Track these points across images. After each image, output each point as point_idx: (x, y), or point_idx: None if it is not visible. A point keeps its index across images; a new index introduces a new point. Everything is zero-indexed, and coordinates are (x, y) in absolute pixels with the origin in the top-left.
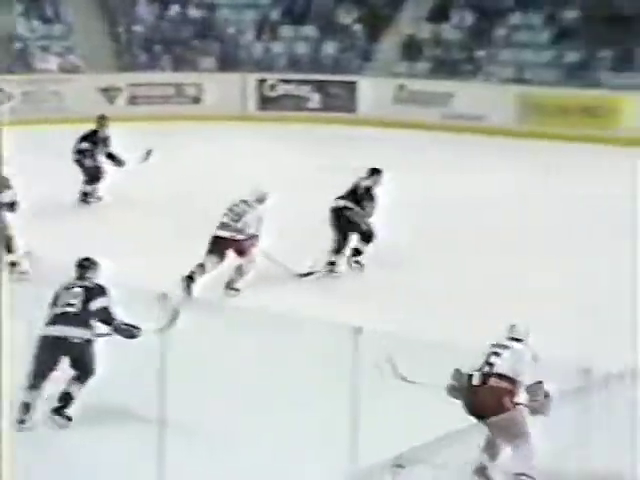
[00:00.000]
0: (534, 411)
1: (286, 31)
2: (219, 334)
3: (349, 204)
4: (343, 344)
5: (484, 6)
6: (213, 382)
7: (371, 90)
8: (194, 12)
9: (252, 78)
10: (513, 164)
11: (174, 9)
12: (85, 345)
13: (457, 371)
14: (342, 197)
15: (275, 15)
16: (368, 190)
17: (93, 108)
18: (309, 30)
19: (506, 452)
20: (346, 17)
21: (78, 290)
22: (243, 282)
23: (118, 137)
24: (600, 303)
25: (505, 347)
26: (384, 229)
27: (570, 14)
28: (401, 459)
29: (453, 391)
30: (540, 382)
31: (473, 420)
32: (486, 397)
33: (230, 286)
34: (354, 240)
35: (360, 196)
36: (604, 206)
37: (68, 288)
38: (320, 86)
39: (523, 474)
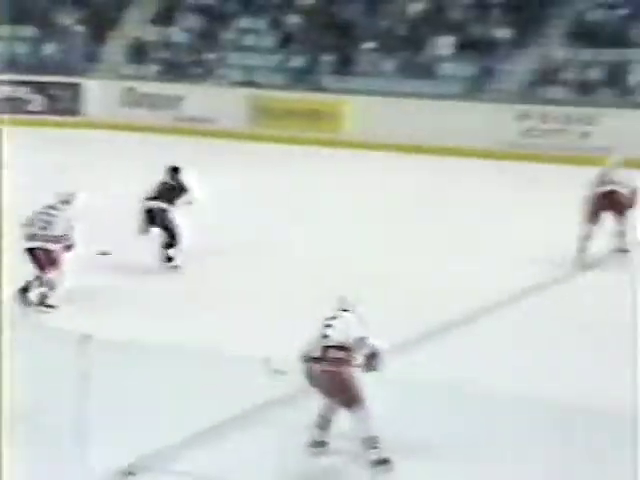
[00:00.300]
0: (368, 368)
1: (3, 31)
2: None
3: (161, 204)
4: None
5: (211, 10)
6: None
7: (97, 92)
8: None
9: None
10: (243, 166)
11: None
12: None
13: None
14: (152, 198)
15: None
16: (174, 188)
17: None
18: (28, 30)
19: (338, 424)
20: (66, 18)
21: None
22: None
23: None
24: None
25: (335, 318)
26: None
27: (293, 19)
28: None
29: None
30: (365, 337)
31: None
32: (326, 369)
33: (43, 303)
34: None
35: (168, 195)
36: (326, 204)
37: None
38: (41, 88)
39: (369, 436)
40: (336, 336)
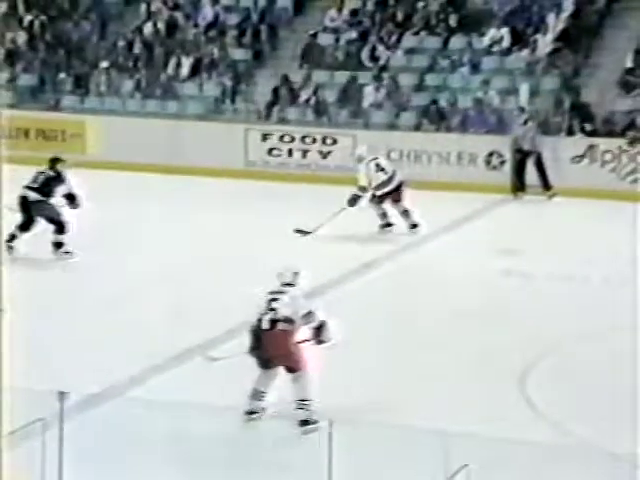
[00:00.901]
0: (319, 342)
1: None
2: None
3: (36, 195)
4: None
5: None
6: None
7: None
8: None
9: None
10: None
11: None
12: None
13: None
14: (29, 187)
15: None
16: (52, 180)
17: None
18: None
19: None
20: None
21: None
22: None
23: None
24: None
25: (282, 292)
26: None
27: (19, 36)
28: None
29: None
30: (312, 311)
31: None
32: (275, 340)
33: None
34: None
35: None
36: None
37: None
38: None
39: (304, 399)
40: (283, 310)
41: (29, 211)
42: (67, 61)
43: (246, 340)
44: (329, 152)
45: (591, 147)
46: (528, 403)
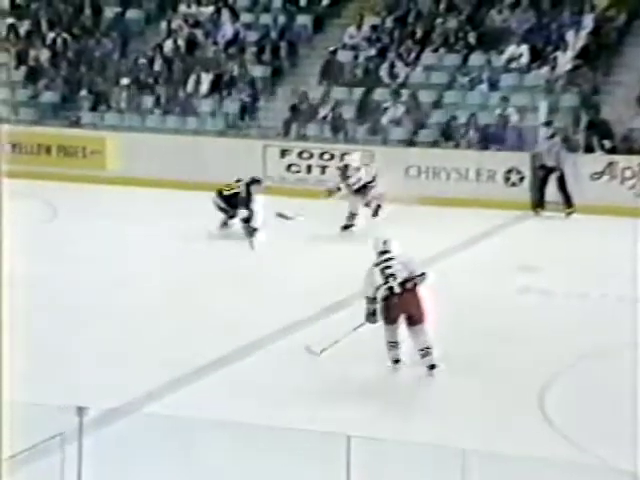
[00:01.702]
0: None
1: None
2: None
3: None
4: None
5: None
6: None
7: None
8: None
9: None
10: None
11: None
12: None
13: (368, 298)
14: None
15: None
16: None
17: None
18: None
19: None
20: None
21: None
22: None
23: None
24: None
25: (389, 259)
26: None
27: (42, 54)
28: None
29: (371, 317)
30: (424, 273)
31: None
32: (406, 299)
33: None
34: None
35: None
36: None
37: None
38: None
39: (428, 347)
40: (401, 273)
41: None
42: (88, 78)
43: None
44: None
45: (610, 164)
46: (546, 420)
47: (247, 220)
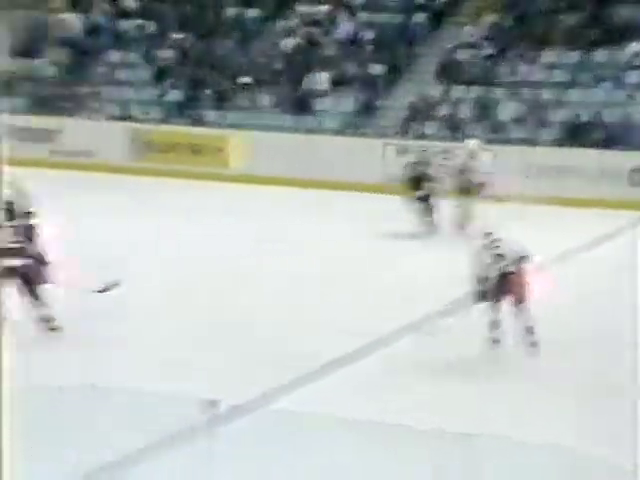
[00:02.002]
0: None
1: None
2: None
3: None
4: None
5: (79, 44)
6: None
7: None
8: None
9: None
10: (124, 199)
11: None
12: None
13: (478, 278)
14: None
15: None
16: None
17: None
18: None
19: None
20: None
21: None
22: None
23: None
24: None
25: (497, 240)
26: None
27: (166, 54)
28: None
29: (481, 297)
30: (527, 254)
31: None
32: (516, 279)
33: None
34: None
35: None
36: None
37: None
38: None
39: (531, 326)
40: (507, 254)
41: None
42: (211, 77)
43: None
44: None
45: None
46: None
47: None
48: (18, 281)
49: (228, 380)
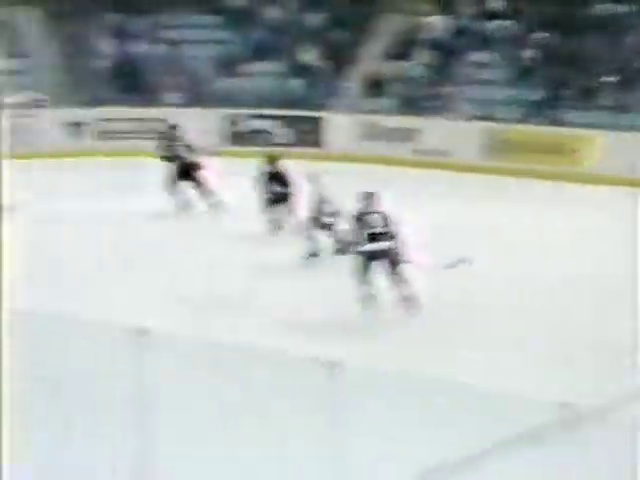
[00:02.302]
0: None
1: (252, 67)
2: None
3: None
4: None
5: (444, 45)
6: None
7: (339, 126)
8: (159, 48)
9: (219, 114)
10: (478, 198)
11: (138, 44)
12: None
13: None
14: None
15: (239, 51)
16: None
17: (59, 143)
18: (275, 66)
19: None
20: (307, 55)
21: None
22: None
23: (86, 172)
24: None
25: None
26: None
27: (528, 53)
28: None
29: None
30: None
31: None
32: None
33: None
34: None
35: None
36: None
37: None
38: (288, 121)
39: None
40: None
41: None
42: (573, 76)
43: None
44: None
45: None
46: None
47: None
48: (386, 262)
49: None
